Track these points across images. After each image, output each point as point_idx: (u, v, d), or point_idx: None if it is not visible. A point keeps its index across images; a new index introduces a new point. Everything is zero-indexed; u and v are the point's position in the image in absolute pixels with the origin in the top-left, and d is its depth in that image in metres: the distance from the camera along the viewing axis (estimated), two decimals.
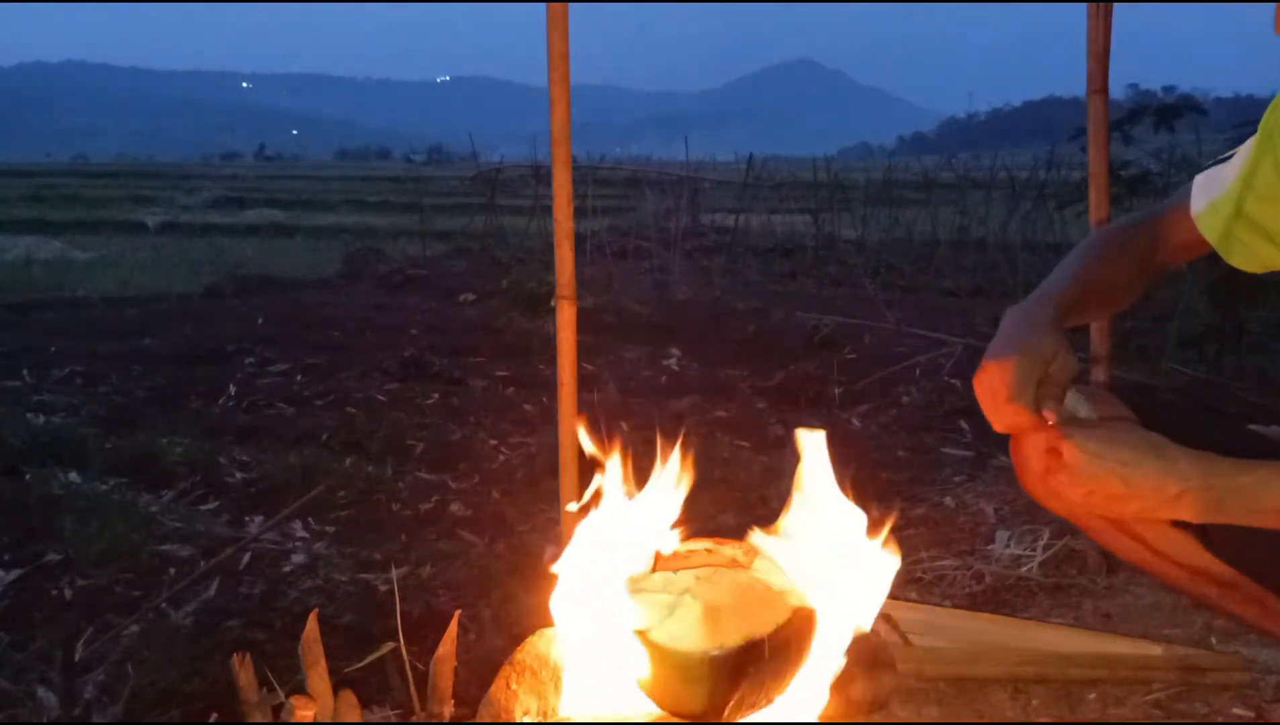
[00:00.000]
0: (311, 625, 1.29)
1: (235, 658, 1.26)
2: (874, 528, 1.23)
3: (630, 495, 1.26)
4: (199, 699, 1.84)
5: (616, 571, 1.20)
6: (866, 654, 1.22)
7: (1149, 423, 1.31)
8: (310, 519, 2.85)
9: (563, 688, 1.21)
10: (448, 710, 1.36)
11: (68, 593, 2.39)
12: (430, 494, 3.12)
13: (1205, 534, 1.32)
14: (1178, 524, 1.33)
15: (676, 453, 1.29)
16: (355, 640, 1.99)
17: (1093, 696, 1.69)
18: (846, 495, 1.24)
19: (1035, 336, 1.25)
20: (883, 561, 1.22)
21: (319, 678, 1.28)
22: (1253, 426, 1.42)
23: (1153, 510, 1.14)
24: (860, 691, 1.21)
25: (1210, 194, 1.37)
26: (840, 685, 1.18)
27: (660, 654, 1.13)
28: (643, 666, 1.13)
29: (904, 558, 2.39)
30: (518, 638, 1.28)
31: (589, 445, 1.29)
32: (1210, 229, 1.36)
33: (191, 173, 31.62)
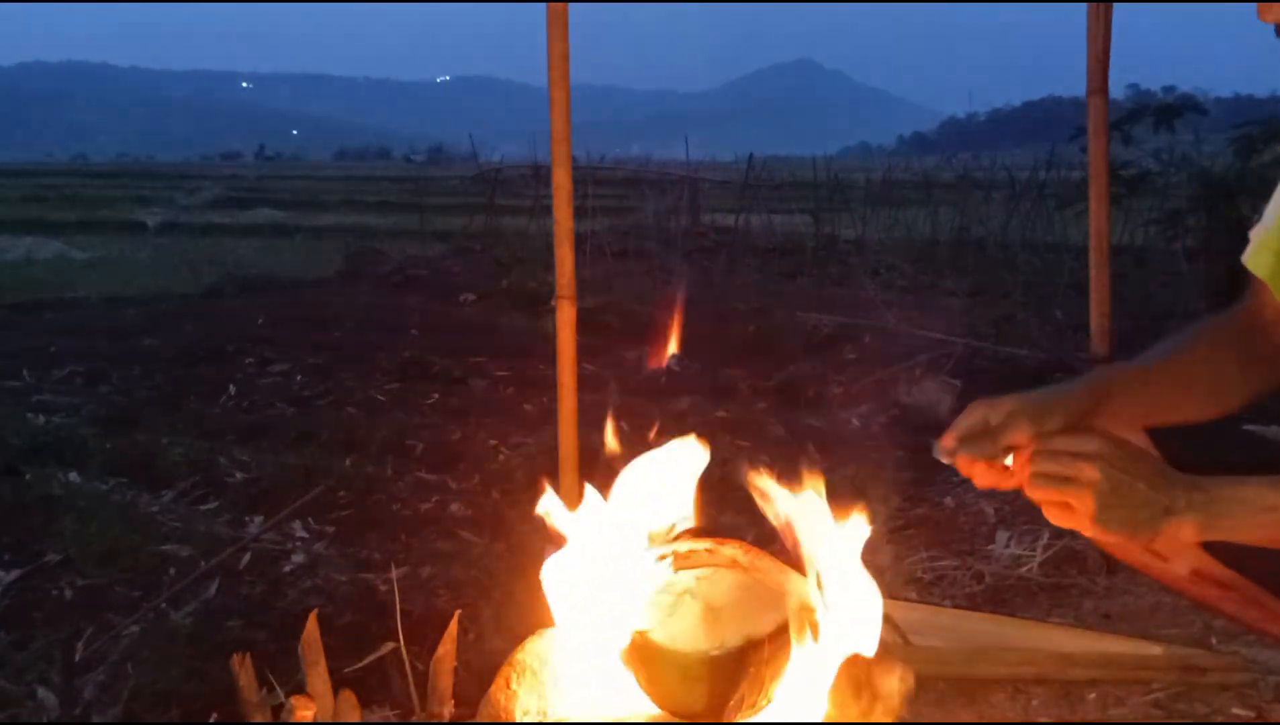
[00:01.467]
0: (311, 625, 1.29)
1: (235, 658, 1.26)
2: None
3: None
4: (199, 699, 1.84)
5: (616, 571, 1.20)
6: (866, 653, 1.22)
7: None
8: (310, 519, 2.85)
9: (561, 688, 1.21)
10: (448, 710, 1.36)
11: (68, 593, 2.39)
12: (430, 494, 3.12)
13: None
14: None
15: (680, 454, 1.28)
16: (355, 640, 1.99)
17: (1093, 696, 1.69)
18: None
19: (1009, 396, 1.22)
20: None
21: (319, 678, 1.28)
22: (1248, 426, 1.42)
23: (1157, 523, 1.09)
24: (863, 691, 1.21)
25: (1257, 235, 1.33)
26: (840, 685, 1.17)
27: (660, 654, 1.13)
28: (643, 666, 1.13)
29: (904, 557, 2.41)
30: (518, 637, 1.28)
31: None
32: (1261, 267, 1.31)
33: (191, 173, 31.63)
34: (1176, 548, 1.35)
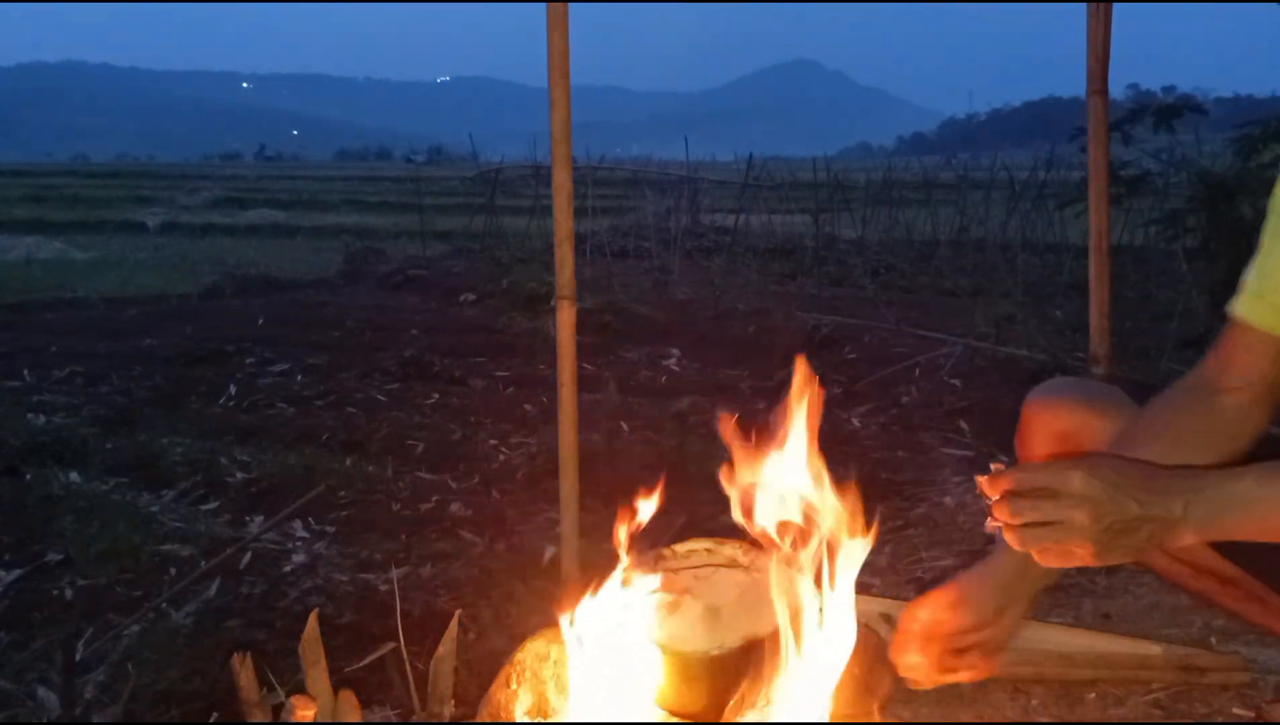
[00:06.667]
0: (312, 625, 1.29)
1: (236, 657, 1.25)
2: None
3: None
4: (199, 699, 1.84)
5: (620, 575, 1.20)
6: (867, 652, 1.22)
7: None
8: (310, 519, 2.85)
9: (563, 688, 1.21)
10: (448, 710, 1.36)
11: (68, 593, 2.39)
12: (430, 494, 3.12)
13: None
14: None
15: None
16: (355, 640, 1.99)
17: (1092, 696, 1.69)
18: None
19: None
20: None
21: (319, 677, 1.28)
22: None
23: (1159, 536, 1.03)
24: (860, 691, 1.21)
25: (1252, 285, 1.26)
26: (840, 684, 1.18)
27: (660, 654, 1.13)
28: (643, 667, 1.13)
29: (904, 558, 2.41)
30: (518, 637, 1.28)
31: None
32: (1255, 315, 1.24)
33: (192, 173, 31.66)
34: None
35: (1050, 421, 1.40)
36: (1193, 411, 1.25)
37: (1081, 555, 1.02)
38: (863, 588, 1.18)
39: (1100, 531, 1.00)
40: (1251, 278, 1.26)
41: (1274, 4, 3.64)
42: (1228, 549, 1.32)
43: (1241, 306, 1.25)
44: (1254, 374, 1.24)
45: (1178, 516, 1.02)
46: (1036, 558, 1.04)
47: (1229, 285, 1.31)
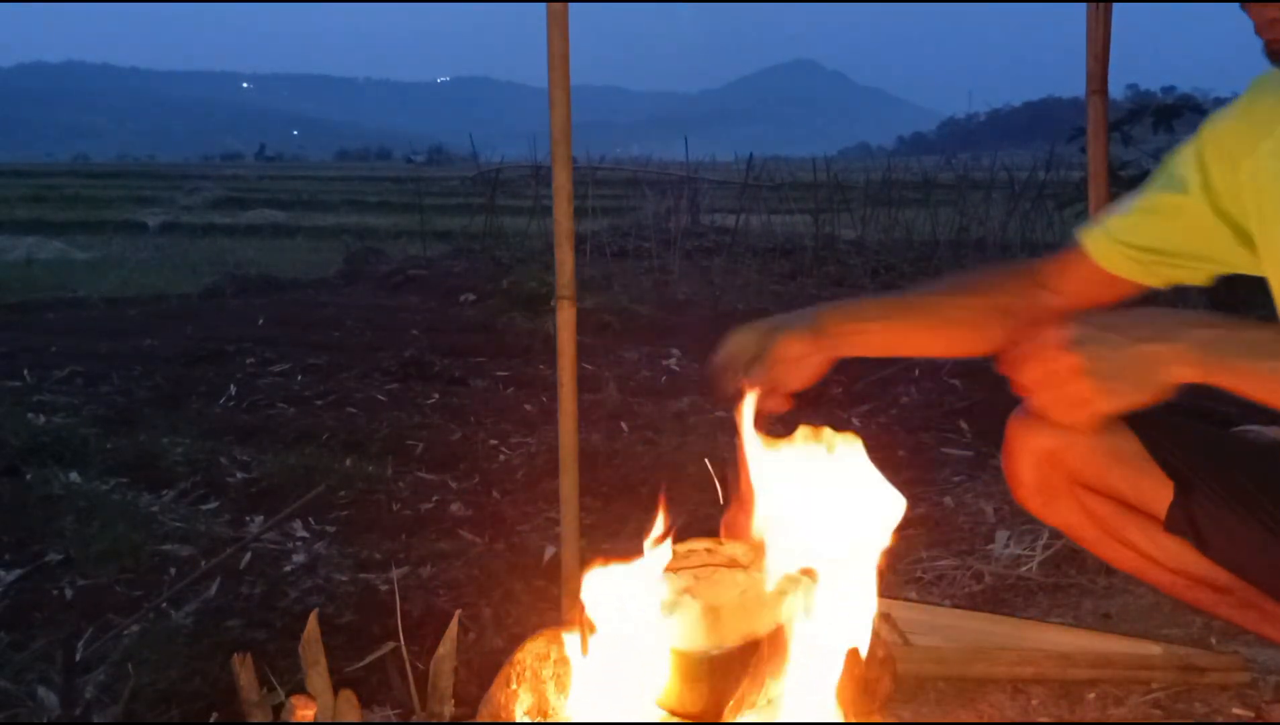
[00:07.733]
0: (312, 625, 1.29)
1: (236, 657, 1.26)
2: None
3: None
4: (199, 699, 1.84)
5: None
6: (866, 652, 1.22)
7: (1134, 426, 1.31)
8: (310, 519, 2.85)
9: (561, 687, 1.21)
10: (448, 710, 1.36)
11: (68, 592, 2.39)
12: (430, 494, 3.12)
13: (1201, 540, 1.32)
14: (1171, 531, 1.33)
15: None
16: (355, 640, 1.99)
17: (1092, 696, 1.69)
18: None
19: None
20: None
21: (319, 677, 1.28)
22: (1238, 428, 1.42)
23: (1161, 364, 1.03)
24: (859, 690, 1.21)
25: (1109, 214, 1.34)
26: (839, 684, 1.18)
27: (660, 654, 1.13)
28: (643, 666, 1.14)
29: (904, 558, 2.41)
30: (518, 637, 1.28)
31: None
32: (1098, 248, 1.32)
33: (192, 173, 31.63)
34: (1173, 549, 1.35)
35: (1035, 439, 1.38)
36: (1009, 288, 1.37)
37: (1089, 398, 1.06)
38: None
39: (1094, 369, 1.04)
40: (1115, 219, 1.32)
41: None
42: (1220, 559, 1.32)
43: (1091, 241, 1.32)
44: (1079, 294, 1.32)
45: (1180, 345, 1.03)
46: (1053, 415, 1.11)
47: (1228, 284, 1.31)
